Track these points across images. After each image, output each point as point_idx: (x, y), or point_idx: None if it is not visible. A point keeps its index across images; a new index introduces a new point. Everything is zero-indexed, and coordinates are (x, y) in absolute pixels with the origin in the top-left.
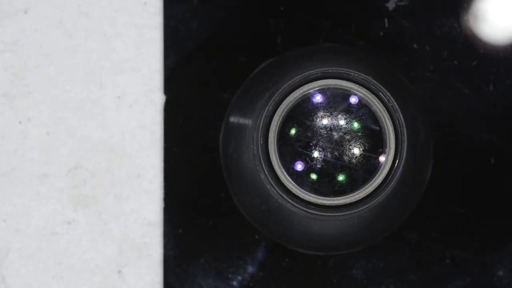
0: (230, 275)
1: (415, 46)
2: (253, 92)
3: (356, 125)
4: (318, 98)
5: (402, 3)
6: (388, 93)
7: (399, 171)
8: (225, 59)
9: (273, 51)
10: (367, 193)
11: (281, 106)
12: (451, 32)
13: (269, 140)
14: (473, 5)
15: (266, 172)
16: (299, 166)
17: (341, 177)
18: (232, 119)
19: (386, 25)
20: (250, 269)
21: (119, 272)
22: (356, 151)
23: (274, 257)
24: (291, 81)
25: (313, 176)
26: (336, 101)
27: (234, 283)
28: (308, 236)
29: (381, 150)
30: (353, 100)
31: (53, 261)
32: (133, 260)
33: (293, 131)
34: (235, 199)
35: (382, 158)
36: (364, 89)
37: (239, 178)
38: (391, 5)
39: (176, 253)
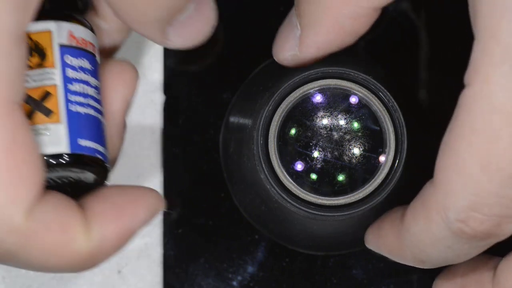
0: (230, 275)
1: (415, 46)
2: (253, 92)
3: (356, 125)
4: (318, 98)
5: (402, 3)
6: (388, 93)
7: (399, 171)
8: (225, 59)
9: None
10: (367, 193)
11: (281, 106)
12: (451, 32)
13: (269, 140)
14: None
15: (266, 172)
16: (299, 166)
17: (341, 177)
18: (232, 119)
19: (386, 25)
20: (250, 269)
21: (119, 272)
22: (356, 151)
23: (274, 257)
24: (291, 81)
25: (313, 176)
26: (336, 101)
27: (234, 283)
28: (308, 236)
29: (381, 150)
30: (353, 100)
31: None
32: (133, 260)
33: (293, 131)
34: (235, 199)
35: (382, 158)
36: (364, 89)
37: (239, 178)
38: (391, 5)
39: (176, 253)
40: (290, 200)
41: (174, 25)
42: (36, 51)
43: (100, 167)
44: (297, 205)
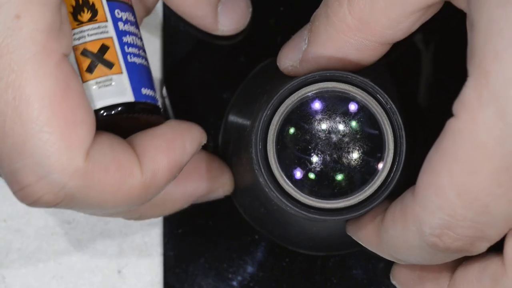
0: (230, 275)
1: (414, 46)
2: (253, 92)
3: (354, 128)
4: (316, 101)
5: None
6: (386, 95)
7: (398, 174)
8: (225, 59)
9: (273, 51)
10: (367, 196)
11: (279, 109)
12: (451, 32)
13: (267, 143)
14: None
15: (265, 176)
16: (298, 170)
17: (340, 180)
18: (231, 119)
19: None
20: (250, 269)
21: (119, 272)
22: (355, 154)
23: (274, 257)
24: (289, 84)
25: (312, 179)
26: (334, 104)
27: (234, 283)
28: (308, 238)
29: (380, 152)
30: (352, 103)
31: (53, 261)
32: (133, 260)
33: (291, 135)
34: (235, 201)
35: (381, 161)
36: (362, 91)
37: (239, 181)
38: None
39: (176, 253)
40: (289, 204)
41: (224, 3)
42: (86, 7)
43: (158, 113)
44: (296, 209)
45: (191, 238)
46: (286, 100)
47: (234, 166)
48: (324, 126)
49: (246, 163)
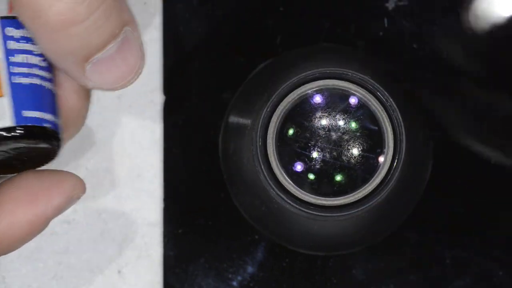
0: (230, 275)
1: (415, 46)
2: (253, 93)
3: (354, 125)
4: (316, 99)
5: (401, 3)
6: (386, 93)
7: (398, 171)
8: (225, 59)
9: (273, 51)
10: (366, 193)
11: (279, 107)
12: (451, 32)
13: (267, 141)
14: (473, 5)
15: (265, 173)
16: (298, 167)
17: (340, 177)
18: (232, 119)
19: (386, 25)
20: (250, 269)
21: (119, 272)
22: (355, 151)
23: (274, 257)
24: (289, 81)
25: (312, 177)
26: (334, 101)
27: (234, 283)
28: (309, 236)
29: (379, 150)
30: (351, 100)
31: (53, 261)
32: (133, 260)
33: (291, 132)
34: (235, 200)
35: (380, 158)
36: (362, 89)
37: (239, 180)
38: (390, 5)
39: (176, 253)
40: (289, 201)
41: (95, 63)
42: None
43: (49, 136)
44: (297, 206)
45: (191, 238)
46: (286, 98)
47: (234, 166)
48: (324, 123)
49: (247, 162)
